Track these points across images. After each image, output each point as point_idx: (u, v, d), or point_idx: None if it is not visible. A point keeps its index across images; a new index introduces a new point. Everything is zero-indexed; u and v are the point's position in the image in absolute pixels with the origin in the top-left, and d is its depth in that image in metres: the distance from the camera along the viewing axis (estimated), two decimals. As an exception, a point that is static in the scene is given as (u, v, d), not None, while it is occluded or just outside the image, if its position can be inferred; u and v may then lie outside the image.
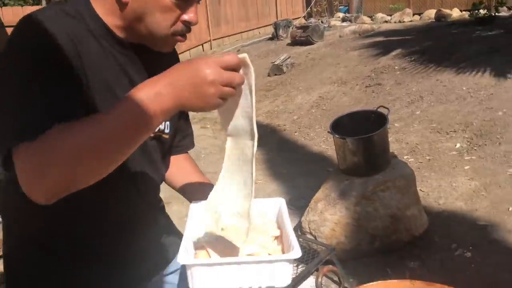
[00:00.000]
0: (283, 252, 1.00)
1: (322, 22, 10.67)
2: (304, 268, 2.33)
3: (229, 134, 0.94)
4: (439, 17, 9.17)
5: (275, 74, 7.17)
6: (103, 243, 1.06)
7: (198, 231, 1.02)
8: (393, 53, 6.35)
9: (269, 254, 0.98)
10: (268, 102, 6.14)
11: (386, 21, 10.64)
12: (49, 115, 0.79)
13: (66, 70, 0.87)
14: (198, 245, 1.00)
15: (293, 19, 11.22)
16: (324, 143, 4.51)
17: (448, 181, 3.26)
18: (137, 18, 0.95)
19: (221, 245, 0.97)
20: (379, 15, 11.34)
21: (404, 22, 9.95)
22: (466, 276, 2.31)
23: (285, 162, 4.18)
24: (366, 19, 11.19)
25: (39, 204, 0.80)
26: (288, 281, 0.91)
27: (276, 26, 10.23)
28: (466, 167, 3.38)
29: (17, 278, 1.09)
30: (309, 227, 2.62)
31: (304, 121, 5.20)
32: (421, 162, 3.65)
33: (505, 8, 9.21)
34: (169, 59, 1.05)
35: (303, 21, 11.37)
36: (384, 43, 7.07)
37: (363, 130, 2.52)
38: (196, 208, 1.08)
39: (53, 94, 0.82)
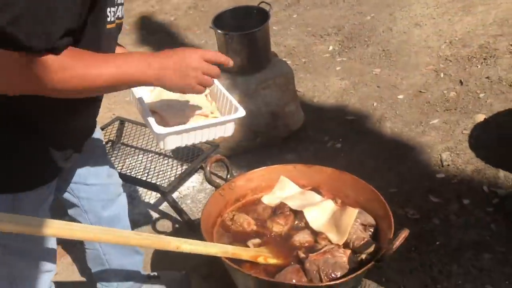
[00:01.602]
0: (220, 110, 1.37)
1: None
2: (189, 165, 2.35)
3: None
4: None
5: (148, -28, 6.60)
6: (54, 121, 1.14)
7: (144, 97, 1.30)
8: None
9: (211, 113, 1.34)
10: (142, 1, 5.69)
11: None
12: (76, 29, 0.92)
13: None
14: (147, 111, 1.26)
15: None
16: (204, 46, 4.40)
17: (322, 81, 3.45)
18: None
19: (172, 109, 1.29)
20: None
21: None
22: (336, 163, 2.54)
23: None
24: None
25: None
26: (233, 131, 1.32)
27: None
28: (338, 68, 3.59)
29: None
30: (192, 127, 2.61)
31: (182, 23, 4.96)
32: (298, 64, 3.77)
33: None
34: None
35: None
36: None
37: (245, 26, 2.47)
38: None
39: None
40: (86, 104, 1.17)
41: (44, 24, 0.84)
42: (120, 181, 1.60)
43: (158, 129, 1.17)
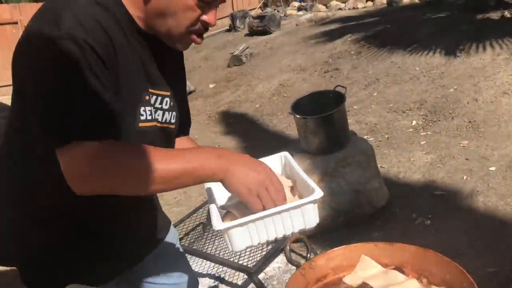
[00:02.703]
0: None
1: (278, 11, 10.74)
2: (273, 245, 2.40)
3: None
4: (391, 2, 9.41)
5: (235, 65, 7.20)
6: (104, 226, 1.13)
7: (220, 201, 1.10)
8: (349, 38, 6.50)
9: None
10: (230, 92, 6.16)
11: (340, 8, 10.82)
12: (103, 116, 0.91)
13: (107, 63, 0.92)
14: (222, 213, 1.07)
15: (250, 9, 11.25)
16: (287, 129, 4.59)
17: (406, 156, 3.40)
18: (159, 14, 0.99)
19: (245, 207, 1.02)
20: (334, 2, 11.51)
21: (357, 8, 10.15)
22: (426, 241, 2.43)
23: (250, 149, 4.23)
24: (321, 7, 11.33)
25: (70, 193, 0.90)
26: (317, 220, 1.03)
27: (233, 17, 10.22)
28: (422, 142, 3.53)
29: (30, 259, 1.12)
30: (276, 207, 2.69)
31: (266, 109, 5.26)
32: (380, 141, 3.78)
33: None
34: (177, 52, 1.14)
35: (259, 11, 11.42)
36: (340, 29, 7.21)
37: (322, 109, 2.59)
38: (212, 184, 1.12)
39: (103, 90, 0.90)
40: (135, 206, 1.17)
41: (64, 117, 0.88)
42: (195, 278, 1.55)
43: (218, 224, 0.94)
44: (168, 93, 1.15)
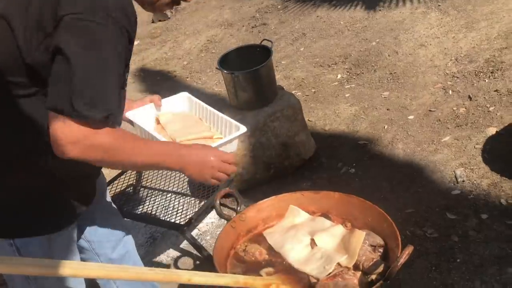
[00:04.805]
0: (221, 132, 1.53)
1: (203, -36, 10.34)
2: (205, 202, 2.41)
3: None
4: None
5: (160, 20, 6.90)
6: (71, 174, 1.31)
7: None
8: (275, -8, 6.43)
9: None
10: (155, 49, 5.94)
11: (267, -38, 10.62)
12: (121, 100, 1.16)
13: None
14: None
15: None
16: (217, 86, 4.54)
17: (332, 109, 3.51)
18: None
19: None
20: (260, -44, 11.26)
21: (284, -38, 10.01)
22: (351, 188, 2.57)
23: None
24: (247, -40, 11.05)
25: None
26: (236, 146, 1.50)
27: (155, -30, 9.72)
28: (347, 95, 3.65)
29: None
30: (207, 164, 2.69)
31: (194, 66, 5.15)
32: (308, 95, 3.86)
33: None
34: None
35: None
36: (266, -17, 7.10)
37: (250, 64, 2.58)
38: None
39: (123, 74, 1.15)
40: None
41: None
42: (125, 222, 1.78)
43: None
44: None
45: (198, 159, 1.25)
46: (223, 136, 1.51)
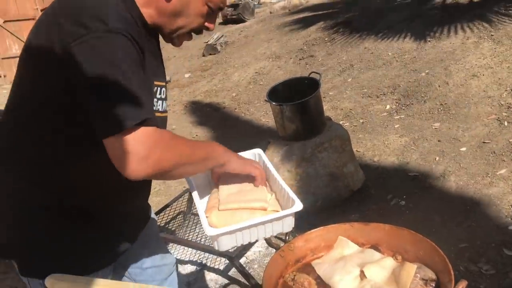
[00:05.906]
0: (280, 203, 1.26)
1: None
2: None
3: None
4: (364, -11, 9.47)
5: (210, 54, 7.17)
6: (107, 208, 1.21)
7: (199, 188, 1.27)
8: (323, 25, 6.54)
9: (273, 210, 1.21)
10: (206, 81, 6.15)
11: (313, -4, 10.83)
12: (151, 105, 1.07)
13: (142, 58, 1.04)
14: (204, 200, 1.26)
15: (223, -2, 11.14)
16: (264, 117, 4.62)
17: (381, 139, 3.48)
18: (174, 14, 1.10)
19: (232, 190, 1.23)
20: (307, -10, 11.52)
21: (331, -5, 10.17)
22: (401, 220, 2.52)
23: (228, 138, 4.25)
24: (294, -6, 11.32)
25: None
26: (293, 225, 1.23)
27: (206, 6, 10.13)
28: (396, 126, 3.62)
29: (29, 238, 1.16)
30: (255, 194, 2.72)
31: (243, 98, 5.27)
32: (356, 125, 3.85)
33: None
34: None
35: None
36: (313, 17, 7.24)
37: (298, 96, 2.63)
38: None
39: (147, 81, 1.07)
40: (141, 188, 1.29)
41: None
42: (174, 260, 1.65)
43: (210, 230, 1.07)
44: (164, 83, 1.23)
45: (240, 157, 1.22)
46: (275, 208, 1.25)
